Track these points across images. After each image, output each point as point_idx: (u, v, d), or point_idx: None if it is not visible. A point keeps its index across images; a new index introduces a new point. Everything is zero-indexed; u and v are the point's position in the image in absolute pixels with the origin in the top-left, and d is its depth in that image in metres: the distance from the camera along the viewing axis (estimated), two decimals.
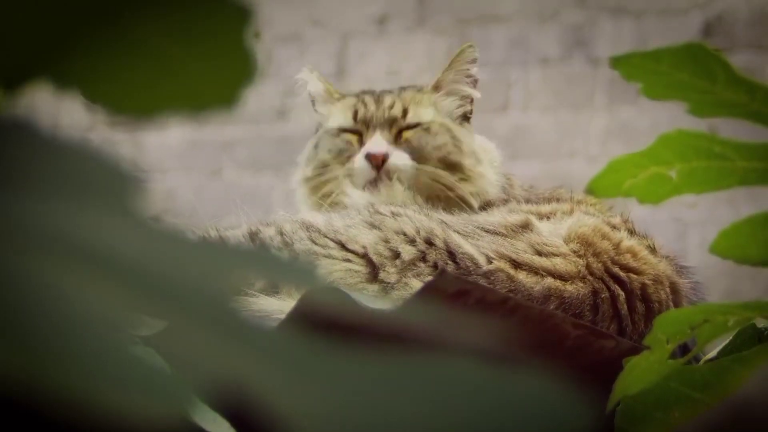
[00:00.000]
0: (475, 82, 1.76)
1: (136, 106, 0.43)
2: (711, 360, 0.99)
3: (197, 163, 3.96)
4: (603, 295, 1.31)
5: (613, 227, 1.41)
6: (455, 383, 0.37)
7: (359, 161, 1.64)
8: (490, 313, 1.01)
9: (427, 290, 1.01)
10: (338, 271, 1.34)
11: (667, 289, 1.36)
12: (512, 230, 1.38)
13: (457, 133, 1.70)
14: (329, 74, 3.99)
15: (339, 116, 1.74)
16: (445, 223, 1.39)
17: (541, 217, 1.44)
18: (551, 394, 0.36)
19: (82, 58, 0.43)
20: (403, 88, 1.75)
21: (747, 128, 0.85)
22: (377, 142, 1.65)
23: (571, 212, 1.45)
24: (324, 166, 1.69)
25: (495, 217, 1.44)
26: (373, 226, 1.38)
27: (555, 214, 1.45)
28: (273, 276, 0.41)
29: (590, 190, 0.87)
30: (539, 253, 1.34)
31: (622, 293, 1.32)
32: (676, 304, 1.36)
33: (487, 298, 1.01)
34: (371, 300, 1.19)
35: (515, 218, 1.42)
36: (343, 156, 1.68)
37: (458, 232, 1.37)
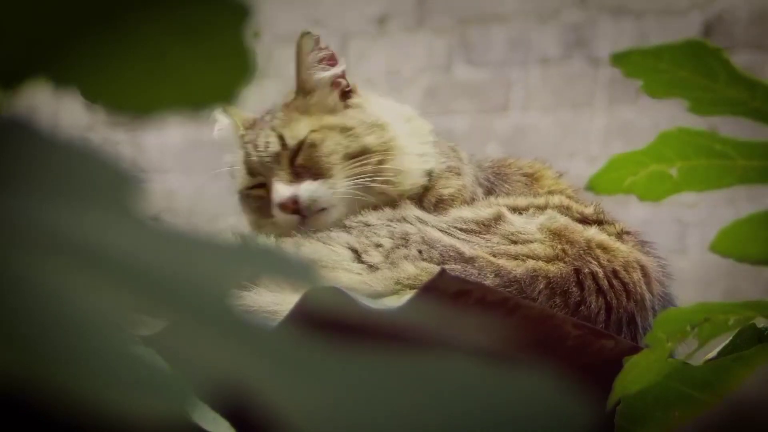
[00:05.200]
0: (330, 59, 1.61)
1: (136, 105, 0.43)
2: (711, 360, 0.99)
3: (197, 163, 3.96)
4: (585, 271, 1.33)
5: (585, 219, 1.43)
6: (455, 383, 0.37)
7: (278, 215, 1.53)
8: (490, 312, 1.01)
9: (427, 290, 1.01)
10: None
11: (639, 272, 1.38)
12: (484, 225, 1.39)
13: (341, 122, 1.58)
14: None
15: (240, 175, 1.63)
16: (421, 220, 1.40)
17: (514, 210, 1.45)
18: (551, 394, 0.36)
19: (82, 57, 0.43)
20: (272, 115, 1.62)
21: (747, 127, 0.85)
22: (278, 190, 1.53)
23: (545, 208, 1.45)
24: (254, 224, 1.61)
25: (467, 213, 1.44)
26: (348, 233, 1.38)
27: (528, 210, 1.45)
28: (273, 275, 0.41)
29: (591, 187, 0.87)
30: (515, 243, 1.36)
31: (600, 270, 1.34)
32: (648, 285, 1.38)
33: (487, 298, 1.01)
34: (371, 300, 1.19)
35: (488, 212, 1.42)
36: (265, 211, 1.57)
37: (435, 228, 1.38)
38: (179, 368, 0.34)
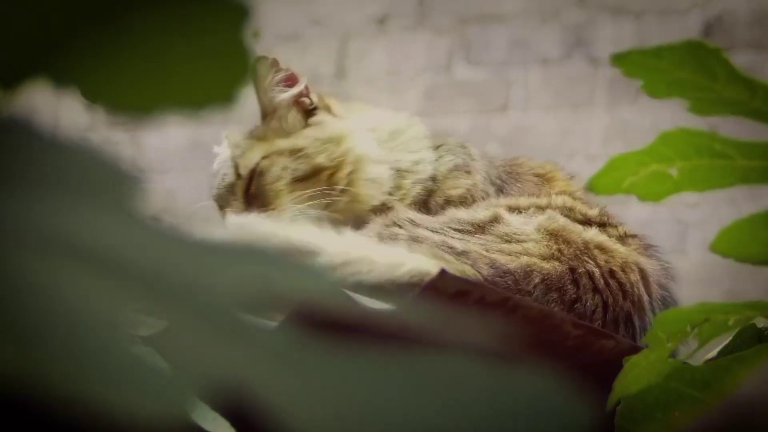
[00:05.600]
0: (288, 80, 1.59)
1: (136, 105, 0.43)
2: (711, 360, 0.99)
3: (197, 163, 3.96)
4: (580, 270, 1.33)
5: (588, 220, 1.42)
6: (455, 383, 0.37)
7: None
8: (490, 312, 1.01)
9: (427, 290, 1.01)
10: None
11: (636, 274, 1.37)
12: (479, 226, 1.39)
13: (292, 144, 1.53)
14: (329, 74, 4.00)
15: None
16: (413, 222, 1.40)
17: (515, 209, 1.44)
18: (551, 394, 0.36)
19: (82, 57, 0.43)
20: (235, 147, 1.58)
21: (747, 127, 0.85)
22: (227, 219, 1.51)
23: (546, 208, 1.44)
24: None
25: (463, 214, 1.43)
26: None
27: (528, 210, 1.44)
28: (273, 275, 0.41)
29: (591, 187, 0.87)
30: (509, 242, 1.35)
31: (596, 270, 1.34)
32: (646, 287, 1.38)
33: (487, 298, 1.01)
34: (371, 300, 1.19)
35: (484, 214, 1.42)
36: None
37: (427, 229, 1.38)
38: (179, 368, 0.34)
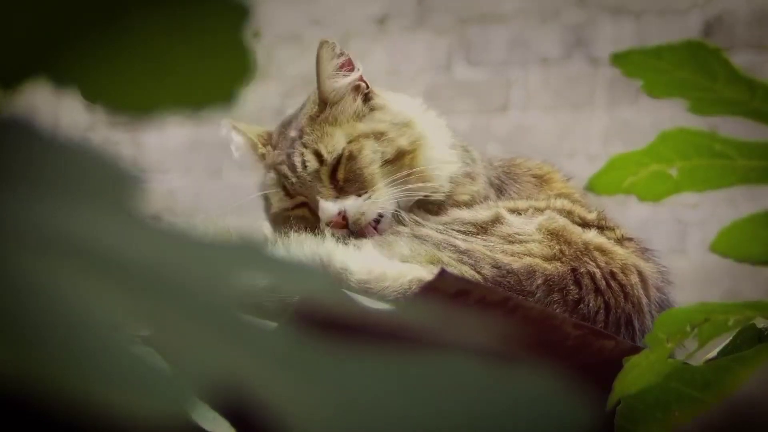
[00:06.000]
0: (348, 65, 1.57)
1: (135, 104, 0.43)
2: (711, 360, 0.99)
3: (197, 163, 3.96)
4: (582, 270, 1.33)
5: (586, 223, 1.43)
6: (455, 383, 0.37)
7: (329, 234, 1.45)
8: (490, 313, 1.01)
9: (427, 290, 1.01)
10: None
11: (636, 276, 1.38)
12: (482, 227, 1.39)
13: (373, 128, 1.54)
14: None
15: (275, 199, 1.58)
16: (417, 222, 1.41)
17: (514, 212, 1.44)
18: (551, 394, 0.36)
19: (82, 57, 0.43)
20: (298, 130, 1.55)
21: (747, 127, 0.85)
22: (324, 209, 1.49)
23: (544, 210, 1.45)
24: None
25: (465, 215, 1.44)
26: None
27: (527, 211, 1.44)
28: (273, 275, 0.41)
29: (591, 187, 0.87)
30: (512, 243, 1.36)
31: (597, 271, 1.34)
32: (645, 290, 1.39)
33: (488, 298, 1.01)
34: (371, 300, 1.19)
35: (486, 214, 1.42)
36: (309, 228, 1.48)
37: (430, 228, 1.38)
38: (179, 368, 0.34)
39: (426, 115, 1.62)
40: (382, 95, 1.61)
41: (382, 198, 1.49)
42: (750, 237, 0.85)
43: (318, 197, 1.51)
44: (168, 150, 4.02)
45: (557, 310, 1.30)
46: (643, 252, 1.45)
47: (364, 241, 1.39)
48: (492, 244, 1.35)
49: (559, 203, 1.47)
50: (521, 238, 1.37)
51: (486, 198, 1.53)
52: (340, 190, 1.51)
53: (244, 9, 0.43)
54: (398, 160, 1.52)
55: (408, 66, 3.80)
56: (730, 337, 1.00)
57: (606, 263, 1.36)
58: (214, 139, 3.97)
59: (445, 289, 1.00)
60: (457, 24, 3.75)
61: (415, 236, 1.37)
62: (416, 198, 1.51)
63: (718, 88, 0.81)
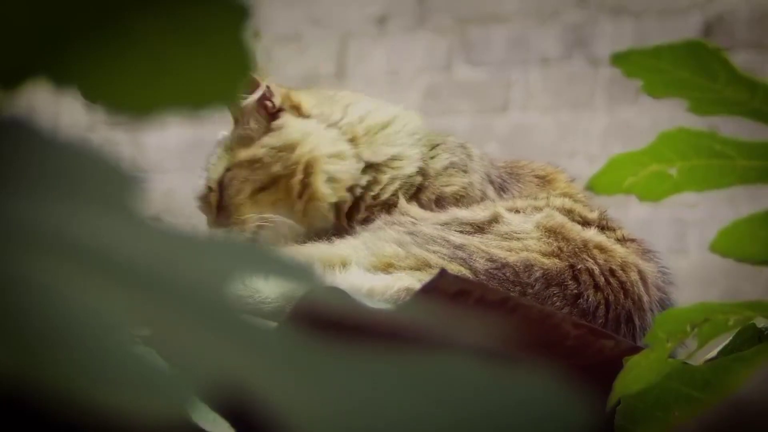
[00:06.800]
0: (252, 86, 1.54)
1: (136, 105, 0.43)
2: (711, 360, 0.99)
3: (197, 163, 3.96)
4: (580, 267, 1.33)
5: (586, 222, 1.42)
6: (455, 383, 0.37)
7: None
8: (490, 312, 1.01)
9: (427, 290, 1.01)
10: None
11: (636, 274, 1.37)
12: (479, 226, 1.39)
13: (251, 154, 1.51)
14: (329, 74, 4.00)
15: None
16: (414, 221, 1.40)
17: (511, 210, 1.44)
18: (551, 394, 0.36)
19: (82, 57, 0.43)
20: (210, 155, 1.57)
21: (747, 127, 0.85)
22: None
23: (543, 208, 1.44)
24: None
25: (464, 213, 1.43)
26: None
27: (526, 209, 1.44)
28: (273, 275, 0.41)
29: (590, 187, 0.87)
30: (509, 240, 1.36)
31: (596, 268, 1.34)
32: (645, 288, 1.38)
33: (488, 298, 1.01)
34: (371, 300, 1.19)
35: (484, 214, 1.42)
36: None
37: (426, 226, 1.39)
38: (179, 368, 0.34)
39: (379, 127, 1.57)
40: (305, 108, 1.56)
41: (249, 227, 1.48)
42: (750, 237, 0.85)
43: (207, 223, 1.53)
44: (168, 150, 4.02)
45: (556, 304, 1.30)
46: (644, 253, 1.44)
47: (351, 242, 1.38)
48: (488, 240, 1.35)
49: (559, 202, 1.46)
50: (519, 236, 1.37)
51: (483, 193, 1.53)
52: (220, 218, 1.51)
53: (244, 9, 0.43)
54: (272, 186, 1.50)
55: (408, 66, 3.80)
56: (730, 337, 1.00)
57: (605, 260, 1.36)
58: (214, 139, 3.97)
59: (444, 288, 1.00)
60: (457, 24, 3.75)
61: (409, 233, 1.37)
62: (301, 216, 1.49)
63: (718, 88, 0.81)
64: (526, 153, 3.59)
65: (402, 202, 1.48)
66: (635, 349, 1.00)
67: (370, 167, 1.53)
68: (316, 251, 1.36)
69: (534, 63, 3.66)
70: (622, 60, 0.80)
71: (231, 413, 0.82)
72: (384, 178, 1.53)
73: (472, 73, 3.71)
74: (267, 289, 1.24)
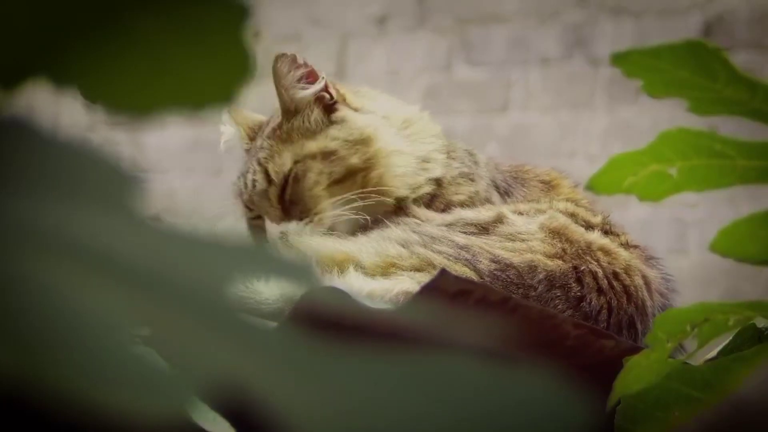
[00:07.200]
0: (309, 76, 1.53)
1: (135, 104, 0.43)
2: (711, 360, 0.99)
3: (197, 163, 3.96)
4: (583, 269, 1.33)
5: (590, 226, 1.42)
6: (455, 383, 0.37)
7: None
8: (490, 312, 1.01)
9: (428, 290, 1.01)
10: None
11: (640, 278, 1.37)
12: (483, 227, 1.39)
13: (322, 146, 1.50)
14: (329, 74, 3.99)
15: (237, 208, 1.58)
16: (418, 222, 1.41)
17: (515, 212, 1.44)
18: (551, 394, 0.36)
19: (82, 57, 0.43)
20: (261, 142, 1.53)
21: (747, 127, 0.85)
22: (269, 231, 1.47)
23: (546, 210, 1.44)
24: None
25: (468, 214, 1.44)
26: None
27: (529, 213, 1.44)
28: (273, 275, 0.41)
29: (590, 187, 0.87)
30: (513, 241, 1.36)
31: (600, 271, 1.34)
32: (648, 292, 1.38)
33: (488, 298, 1.01)
34: (371, 300, 1.19)
35: (489, 215, 1.42)
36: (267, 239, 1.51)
37: (431, 227, 1.39)
38: (179, 368, 0.34)
39: (406, 125, 1.57)
40: (356, 101, 1.57)
41: (326, 221, 1.46)
42: (750, 237, 0.85)
43: (265, 217, 1.50)
44: (168, 150, 4.02)
45: (559, 306, 1.30)
46: (648, 259, 1.44)
47: (354, 242, 1.38)
48: (493, 241, 1.36)
49: (562, 205, 1.46)
50: (523, 237, 1.37)
51: (487, 200, 1.52)
52: (287, 212, 1.49)
53: (244, 9, 0.43)
54: (349, 179, 1.49)
55: (408, 66, 3.80)
56: (730, 337, 1.00)
57: (609, 263, 1.36)
58: (214, 139, 3.96)
59: (445, 288, 1.00)
60: (457, 24, 3.75)
61: (414, 231, 1.37)
62: (367, 214, 1.48)
63: (718, 88, 0.81)
64: (526, 153, 3.59)
65: (406, 204, 1.49)
66: (635, 349, 1.00)
67: (418, 162, 1.53)
68: (323, 246, 1.36)
69: (534, 63, 3.66)
70: (622, 60, 0.80)
71: (231, 413, 0.82)
72: (420, 179, 1.52)
73: (472, 73, 3.71)
74: (267, 290, 1.24)
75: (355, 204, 1.47)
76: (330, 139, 1.51)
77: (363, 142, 1.51)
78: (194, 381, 0.34)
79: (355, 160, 1.49)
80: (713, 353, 1.03)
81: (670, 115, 3.18)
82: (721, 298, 3.23)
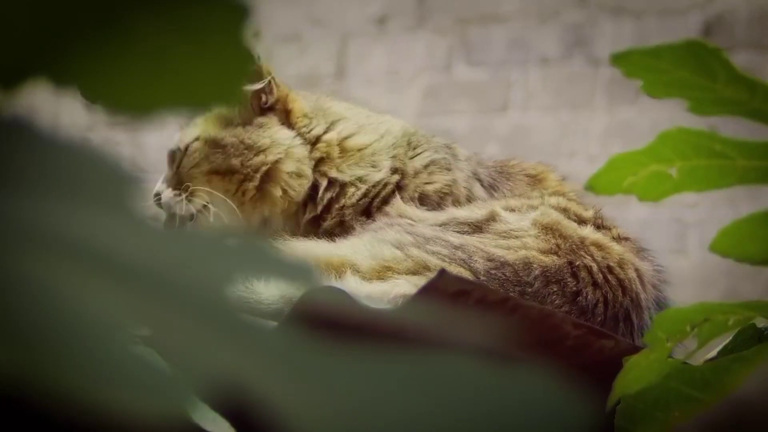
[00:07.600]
0: (257, 76, 1.58)
1: (135, 104, 0.43)
2: (711, 360, 0.99)
3: None
4: (578, 263, 1.33)
5: (582, 221, 1.43)
6: (455, 383, 0.37)
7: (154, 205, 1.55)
8: (490, 312, 1.01)
9: (428, 290, 1.01)
10: None
11: (633, 271, 1.38)
12: (476, 226, 1.39)
13: (220, 137, 1.55)
14: (329, 74, 4.00)
15: None
16: (411, 222, 1.41)
17: (507, 209, 1.45)
18: (551, 394, 0.36)
19: (82, 57, 0.43)
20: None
21: (747, 127, 0.85)
22: (157, 183, 1.58)
23: (538, 206, 1.45)
24: None
25: (461, 213, 1.44)
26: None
27: (522, 208, 1.45)
28: (272, 275, 0.41)
29: (590, 187, 0.87)
30: (507, 238, 1.36)
31: (594, 265, 1.34)
32: (642, 285, 1.39)
33: (488, 298, 1.01)
34: (371, 300, 1.19)
35: (481, 213, 1.42)
36: None
37: (423, 227, 1.39)
38: (179, 368, 0.34)
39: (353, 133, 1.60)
40: (294, 118, 1.58)
41: (193, 201, 1.53)
42: (750, 237, 0.85)
43: (164, 175, 1.58)
44: (168, 150, 4.02)
45: (556, 302, 1.31)
46: (639, 251, 1.45)
47: (350, 243, 1.39)
48: (487, 239, 1.36)
49: (554, 200, 1.47)
50: (516, 234, 1.37)
51: (468, 190, 1.54)
52: (174, 178, 1.57)
53: (244, 9, 0.43)
54: (229, 175, 1.54)
55: (408, 66, 3.80)
56: (730, 337, 1.00)
57: (603, 257, 1.36)
58: None
59: (444, 288, 1.00)
60: (457, 24, 3.75)
61: (408, 232, 1.37)
62: (247, 213, 1.53)
63: (718, 88, 0.81)
64: (526, 153, 3.59)
65: (398, 202, 1.49)
66: (635, 349, 1.00)
67: (334, 183, 1.56)
68: (318, 249, 1.37)
69: (534, 63, 3.66)
70: (622, 60, 0.80)
71: (231, 413, 0.82)
72: (350, 190, 1.55)
73: (472, 73, 3.71)
74: (267, 291, 1.25)
75: (224, 200, 1.52)
76: (231, 134, 1.56)
77: (252, 148, 1.55)
78: (194, 381, 0.34)
79: (235, 161, 1.54)
80: (713, 353, 1.03)
81: (670, 115, 3.18)
82: (720, 298, 3.23)
